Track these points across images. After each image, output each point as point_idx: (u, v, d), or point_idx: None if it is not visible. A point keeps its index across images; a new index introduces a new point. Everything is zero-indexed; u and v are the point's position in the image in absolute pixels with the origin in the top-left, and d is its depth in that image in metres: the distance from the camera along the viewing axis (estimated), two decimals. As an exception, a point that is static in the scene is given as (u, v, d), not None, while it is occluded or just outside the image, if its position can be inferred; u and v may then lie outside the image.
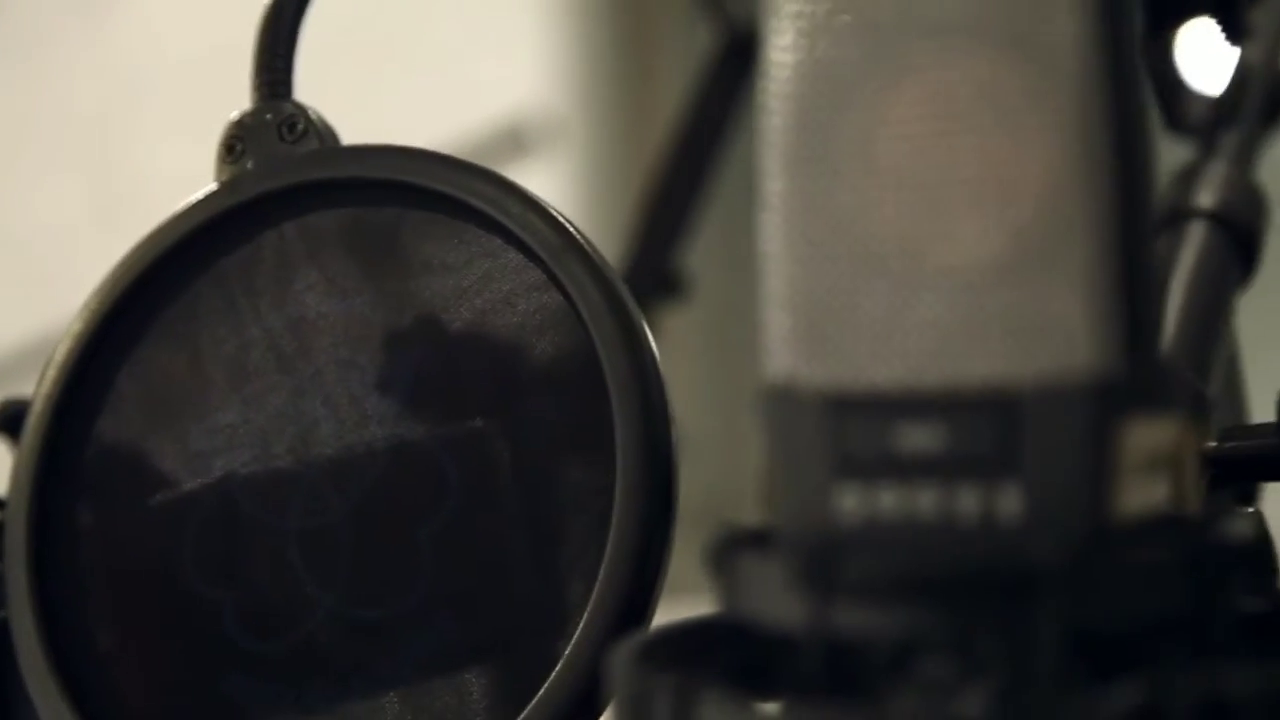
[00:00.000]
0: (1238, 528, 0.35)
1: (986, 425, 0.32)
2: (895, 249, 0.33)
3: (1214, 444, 0.49)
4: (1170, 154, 0.67)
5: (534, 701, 0.45)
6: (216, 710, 0.49)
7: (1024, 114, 0.32)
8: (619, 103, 2.38)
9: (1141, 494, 0.33)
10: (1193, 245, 0.58)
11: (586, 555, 0.46)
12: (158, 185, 2.71)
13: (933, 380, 0.33)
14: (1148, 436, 0.33)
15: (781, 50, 0.34)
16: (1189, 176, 0.62)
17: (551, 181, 2.31)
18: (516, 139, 2.25)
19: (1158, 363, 0.35)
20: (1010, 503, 0.32)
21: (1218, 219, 0.59)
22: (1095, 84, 0.33)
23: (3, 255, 2.85)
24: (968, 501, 0.32)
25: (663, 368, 0.47)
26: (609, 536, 0.45)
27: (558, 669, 0.45)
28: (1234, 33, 0.69)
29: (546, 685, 0.45)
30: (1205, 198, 0.60)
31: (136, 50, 2.75)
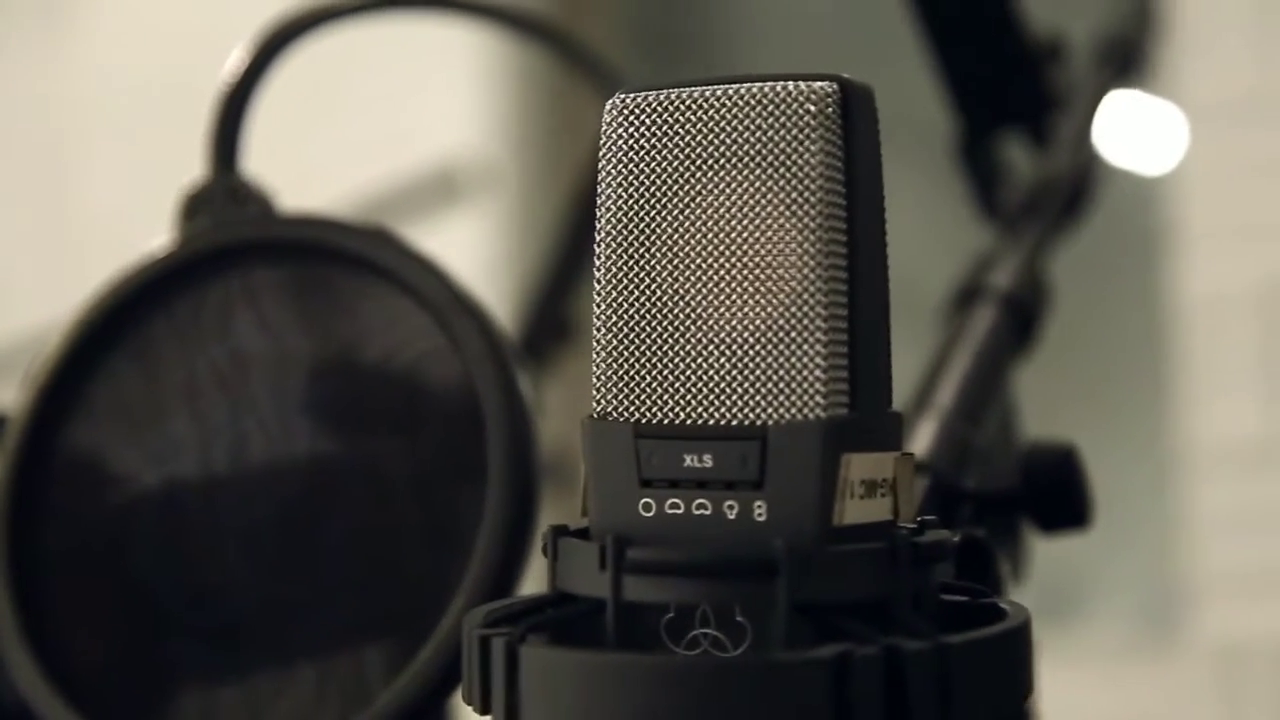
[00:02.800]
0: (939, 537, 0.46)
1: (744, 454, 0.44)
2: (685, 321, 0.44)
3: (973, 485, 0.61)
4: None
5: (414, 664, 0.55)
6: (160, 672, 0.60)
7: (780, 222, 0.44)
8: (549, 149, 2.48)
9: (862, 508, 0.44)
10: (982, 319, 0.69)
11: (464, 550, 0.56)
12: (104, 214, 2.79)
13: (708, 420, 0.44)
14: (868, 467, 0.45)
15: (608, 171, 0.45)
16: (989, 260, 0.74)
17: (482, 225, 2.40)
18: (448, 184, 2.34)
19: (882, 411, 0.46)
20: (759, 511, 0.43)
21: (1006, 300, 0.70)
22: (835, 199, 0.44)
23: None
24: (729, 509, 0.44)
25: (531, 398, 0.58)
26: (480, 535, 0.56)
27: (432, 639, 0.55)
28: (1039, 138, 0.81)
29: (423, 651, 0.55)
30: (999, 279, 0.71)
31: (88, 84, 2.83)
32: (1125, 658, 2.17)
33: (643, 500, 0.45)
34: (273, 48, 0.64)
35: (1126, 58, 0.90)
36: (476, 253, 2.21)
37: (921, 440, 0.62)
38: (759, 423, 0.44)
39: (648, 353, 0.45)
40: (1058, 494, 0.63)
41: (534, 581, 0.54)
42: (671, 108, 0.45)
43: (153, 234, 0.65)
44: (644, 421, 0.45)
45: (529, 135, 2.48)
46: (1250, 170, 2.03)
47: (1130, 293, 2.28)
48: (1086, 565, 2.28)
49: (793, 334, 0.44)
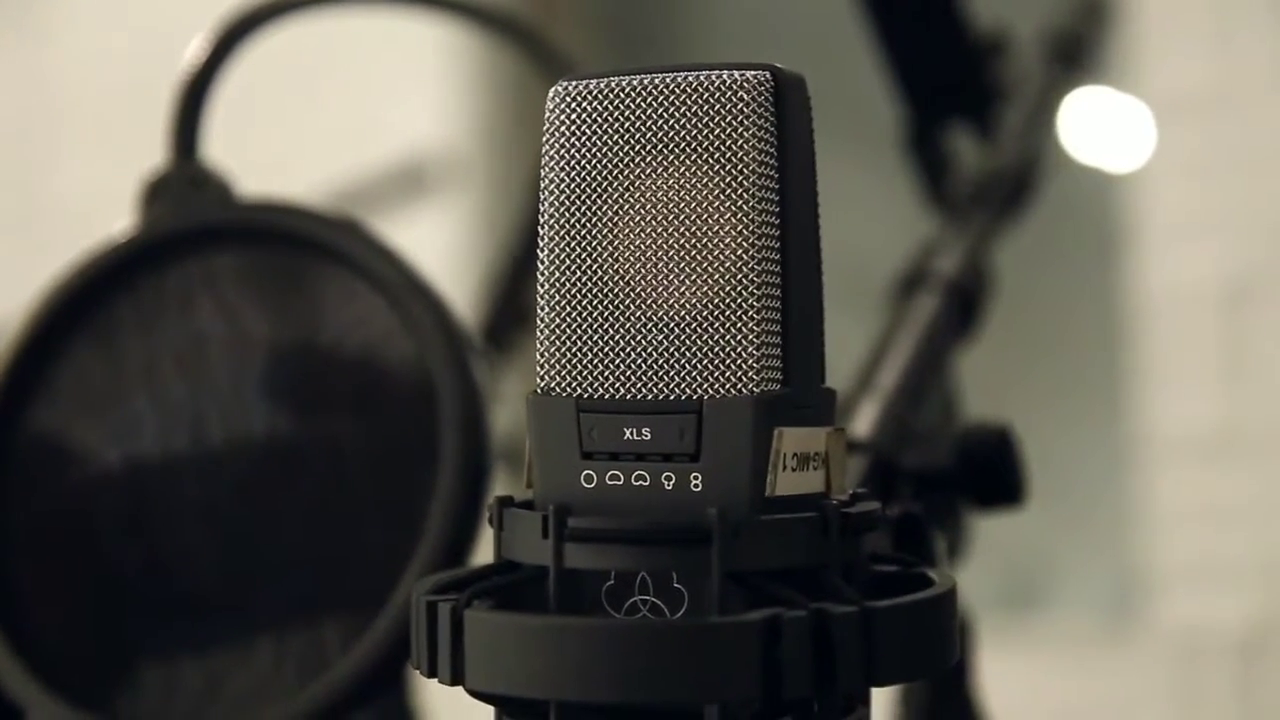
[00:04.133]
0: (869, 508, 0.48)
1: (681, 428, 0.46)
2: (624, 300, 0.46)
3: (912, 464, 0.63)
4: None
5: (369, 634, 0.57)
6: (123, 645, 0.61)
7: (715, 205, 0.46)
8: (516, 144, 2.49)
9: (795, 480, 0.46)
10: (925, 305, 0.71)
11: (417, 524, 0.58)
12: (72, 201, 2.80)
13: (647, 394, 0.46)
14: (800, 440, 0.47)
15: (550, 155, 0.47)
16: (934, 247, 0.76)
17: (449, 219, 2.42)
18: (416, 176, 2.36)
19: (815, 388, 0.48)
20: (695, 482, 0.45)
21: (950, 286, 0.72)
22: (767, 184, 0.46)
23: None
24: (667, 480, 0.46)
25: (483, 379, 0.60)
26: (432, 510, 0.58)
27: (386, 610, 0.57)
28: (986, 129, 0.83)
29: (378, 621, 0.57)
30: (943, 266, 0.73)
31: (60, 77, 2.83)
32: (1085, 646, 2.20)
33: (584, 472, 0.46)
34: (233, 37, 0.65)
35: (1073, 51, 0.92)
36: (444, 245, 2.23)
37: (863, 420, 0.64)
38: (695, 397, 0.46)
39: (589, 330, 0.47)
40: (992, 472, 0.65)
41: (486, 556, 0.55)
42: (611, 95, 0.47)
43: (118, 225, 0.66)
44: (585, 396, 0.47)
45: (496, 129, 2.49)
46: (1210, 164, 2.05)
47: (1090, 285, 2.31)
48: (1047, 555, 2.30)
49: (727, 313, 0.46)
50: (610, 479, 0.46)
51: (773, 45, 2.49)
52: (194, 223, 0.63)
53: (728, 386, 0.45)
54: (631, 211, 0.46)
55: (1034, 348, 2.24)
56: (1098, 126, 2.13)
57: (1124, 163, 2.20)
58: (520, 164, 2.31)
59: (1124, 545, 2.20)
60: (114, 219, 0.69)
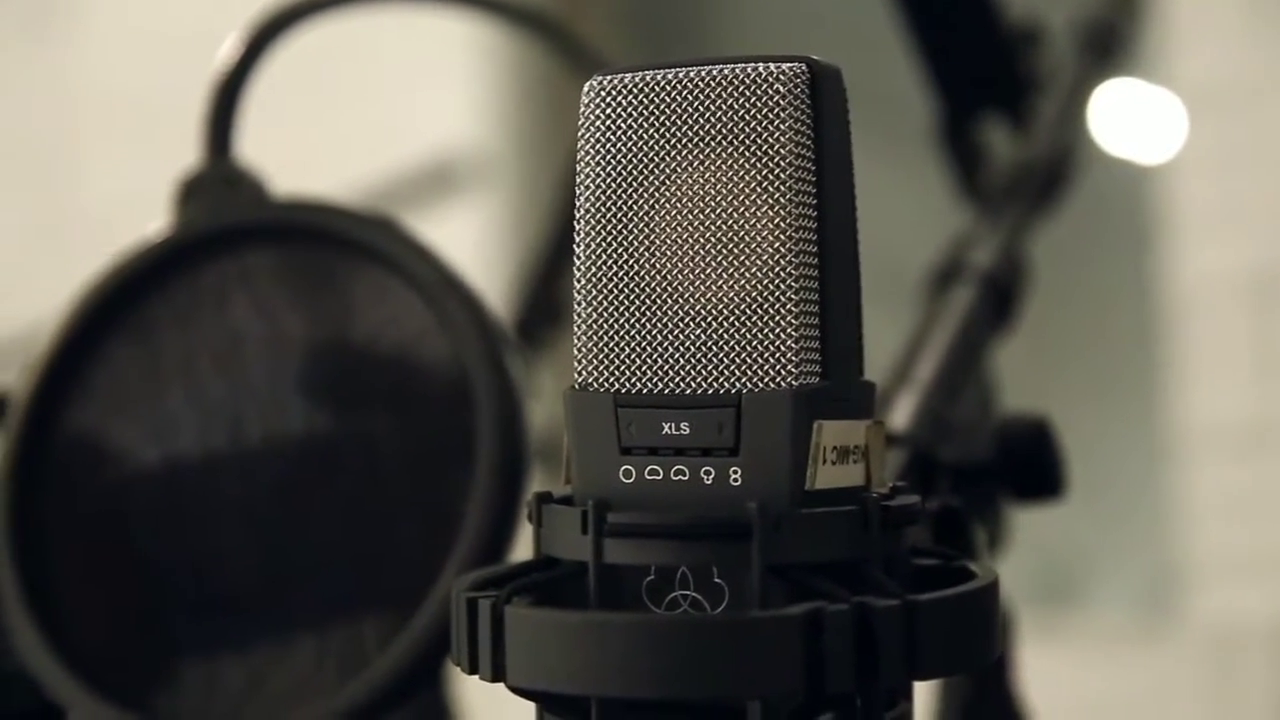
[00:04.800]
0: (909, 501, 0.48)
1: (720, 422, 0.45)
2: (661, 294, 0.46)
3: (951, 457, 0.63)
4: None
5: (408, 631, 0.57)
6: (162, 643, 0.61)
7: (751, 198, 0.45)
8: (545, 141, 2.49)
9: (834, 473, 0.46)
10: (961, 298, 0.71)
11: (454, 522, 0.58)
12: (98, 206, 2.81)
13: (685, 389, 0.46)
14: (839, 433, 0.46)
15: (586, 150, 0.47)
16: (969, 240, 0.75)
17: (478, 217, 2.42)
18: (445, 175, 2.36)
19: (854, 380, 0.48)
20: (735, 476, 0.45)
21: (985, 279, 0.72)
22: (804, 176, 0.46)
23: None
24: (706, 474, 0.45)
25: (520, 376, 0.60)
26: (470, 507, 0.58)
27: (425, 607, 0.57)
28: (1019, 121, 0.82)
29: (417, 619, 0.57)
30: (978, 259, 0.73)
31: (87, 82, 2.84)
32: (1121, 641, 2.19)
33: (623, 467, 0.46)
34: (266, 36, 0.65)
35: (1107, 42, 0.91)
36: (473, 243, 2.23)
37: (901, 414, 0.63)
38: (733, 391, 0.45)
39: (626, 325, 0.47)
40: (1031, 465, 0.65)
41: (523, 552, 0.55)
42: (647, 89, 0.46)
43: (148, 226, 0.66)
44: (623, 391, 0.46)
45: (525, 127, 2.50)
46: (1243, 155, 2.04)
47: (1124, 277, 2.30)
48: (1082, 549, 2.29)
49: (765, 306, 0.45)
50: (649, 474, 0.46)
51: (802, 37, 2.48)
52: (229, 222, 0.63)
53: (766, 380, 0.45)
54: (668, 205, 0.46)
55: (1065, 341, 2.23)
56: (1128, 118, 2.12)
57: (1154, 155, 2.19)
58: (549, 160, 2.31)
59: (1159, 539, 2.19)
60: (141, 221, 0.69)
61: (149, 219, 0.66)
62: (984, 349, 0.70)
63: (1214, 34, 2.06)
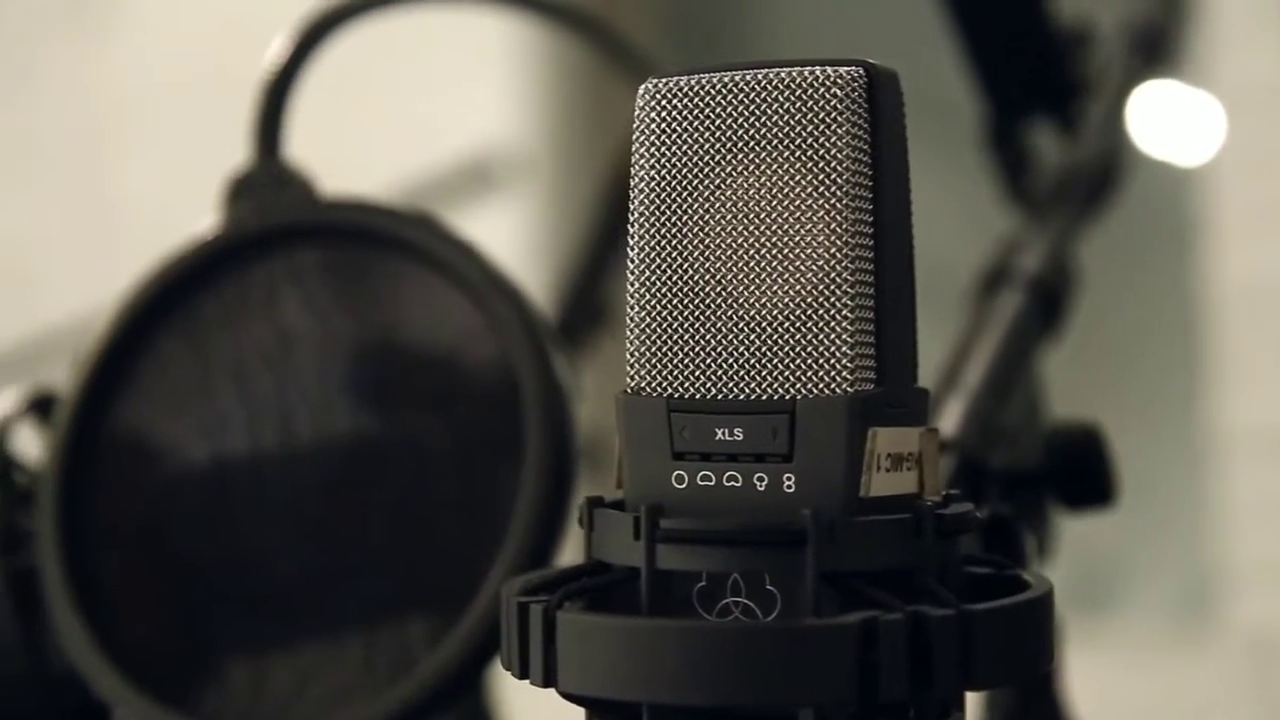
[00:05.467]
0: (963, 510, 0.48)
1: (774, 428, 0.45)
2: (716, 299, 0.46)
3: (999, 464, 0.62)
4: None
5: (455, 633, 0.57)
6: (209, 643, 0.61)
7: (807, 203, 0.45)
8: (584, 138, 2.49)
9: (888, 480, 0.46)
10: (1009, 303, 0.70)
11: (502, 523, 0.58)
12: (138, 202, 2.82)
13: (739, 394, 0.46)
14: (894, 440, 0.46)
15: (641, 154, 0.47)
16: (1017, 244, 0.75)
17: (517, 213, 2.42)
18: (484, 172, 2.36)
19: (908, 387, 0.47)
20: (788, 482, 0.45)
21: (1033, 283, 0.71)
22: (861, 181, 0.45)
23: (-7, 263, 2.95)
24: (759, 481, 0.45)
25: (566, 377, 0.60)
26: (517, 509, 0.57)
27: (472, 609, 0.57)
28: (1067, 124, 0.82)
29: (464, 621, 0.57)
30: (1027, 263, 0.73)
31: (126, 77, 2.85)
32: (1160, 646, 2.18)
33: (675, 472, 0.46)
34: (314, 36, 0.65)
35: (1155, 44, 0.91)
36: (512, 240, 2.23)
37: (949, 420, 0.63)
38: (788, 397, 0.45)
39: (680, 330, 0.46)
40: (1081, 472, 0.64)
41: (572, 555, 0.55)
42: (702, 92, 0.46)
43: (190, 221, 0.66)
44: (676, 396, 0.46)
45: (564, 124, 2.50)
46: (1282, 157, 2.03)
47: (1165, 280, 2.29)
48: (1122, 554, 2.28)
49: (820, 312, 0.45)
50: (702, 479, 0.46)
51: (845, 39, 2.47)
52: (278, 221, 0.63)
53: (821, 386, 0.45)
54: (723, 210, 0.46)
55: (1103, 343, 2.22)
56: (1167, 120, 2.10)
57: (1193, 156, 2.17)
58: (589, 158, 2.31)
59: (1198, 544, 2.17)
60: (184, 215, 0.69)
61: (192, 214, 0.66)
62: (1032, 354, 0.69)
63: (1252, 36, 2.05)
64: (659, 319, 0.47)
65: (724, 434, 0.46)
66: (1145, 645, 2.18)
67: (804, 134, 0.45)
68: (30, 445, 0.69)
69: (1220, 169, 2.10)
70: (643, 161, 0.47)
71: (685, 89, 0.47)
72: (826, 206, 0.45)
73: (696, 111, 0.46)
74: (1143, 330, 2.35)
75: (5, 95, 3.00)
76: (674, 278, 0.46)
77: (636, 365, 0.47)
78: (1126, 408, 2.22)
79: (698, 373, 0.46)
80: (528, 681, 0.45)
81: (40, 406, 0.69)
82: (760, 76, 0.46)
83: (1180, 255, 2.20)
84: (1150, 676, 2.10)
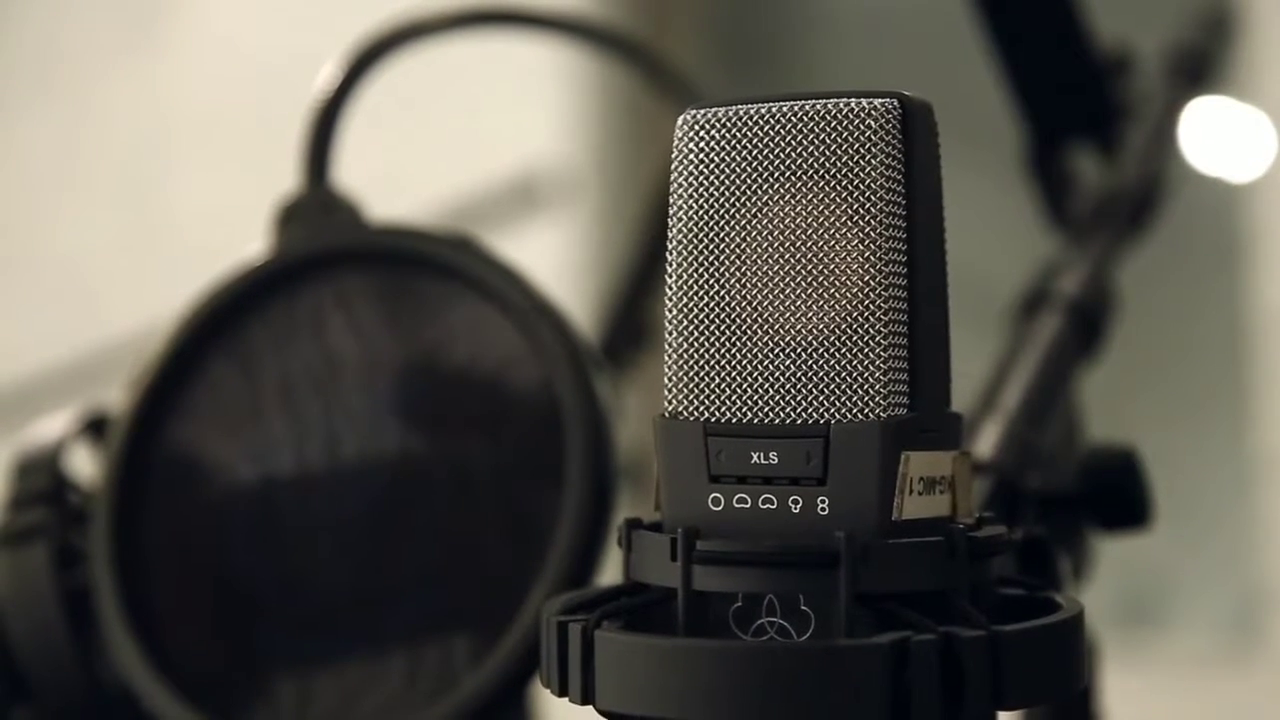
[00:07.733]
0: (996, 532, 0.48)
1: (808, 452, 0.46)
2: (752, 325, 0.47)
3: (1036, 486, 0.63)
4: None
5: (497, 652, 0.58)
6: (258, 660, 0.63)
7: (842, 231, 0.46)
8: (628, 159, 2.50)
9: (921, 503, 0.47)
10: (1048, 325, 0.70)
11: (543, 544, 0.59)
12: (187, 217, 2.84)
13: (774, 419, 0.47)
14: (927, 464, 0.47)
15: (679, 182, 0.48)
16: (1057, 267, 0.75)
17: (561, 233, 2.44)
18: (529, 192, 2.37)
19: (941, 411, 0.48)
20: (822, 505, 0.46)
21: (1073, 306, 0.72)
22: (895, 210, 0.46)
23: (44, 278, 2.99)
24: (794, 504, 0.46)
25: (608, 400, 0.61)
26: (559, 530, 0.58)
27: (513, 629, 0.58)
28: (1109, 148, 0.82)
29: (505, 640, 0.58)
30: (1066, 286, 0.73)
31: (174, 94, 2.89)
32: (1207, 666, 2.16)
33: (712, 495, 0.47)
34: (364, 64, 0.67)
35: (1197, 67, 0.91)
36: (556, 260, 2.24)
37: (986, 442, 0.64)
38: (822, 421, 0.46)
39: (716, 355, 0.47)
40: (1118, 495, 0.65)
41: (612, 574, 0.56)
42: (739, 123, 0.47)
43: (240, 241, 0.68)
44: (713, 420, 0.47)
45: (608, 145, 2.51)
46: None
47: (1211, 298, 2.28)
48: (1168, 573, 2.27)
49: (854, 338, 0.46)
50: (738, 502, 0.47)
51: (889, 64, 2.48)
52: (326, 246, 0.64)
53: (855, 410, 0.46)
54: (759, 237, 0.47)
55: (1153, 361, 2.22)
56: (1217, 136, 2.10)
57: (1244, 172, 2.17)
58: (632, 180, 2.32)
59: (1246, 563, 2.16)
60: (234, 235, 0.70)
61: (242, 233, 0.68)
62: (1071, 377, 0.70)
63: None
64: (696, 345, 0.48)
65: (759, 457, 0.47)
66: (1193, 662, 2.17)
67: (839, 164, 0.46)
68: (84, 465, 0.70)
69: (1267, 185, 2.09)
70: (681, 190, 0.48)
71: (723, 120, 0.48)
72: (861, 235, 0.46)
73: (734, 141, 0.47)
74: (1191, 345, 2.34)
75: (66, 113, 3.04)
76: (711, 304, 0.47)
77: (674, 390, 0.48)
78: (1174, 424, 2.21)
79: (734, 397, 0.47)
80: (567, 699, 0.46)
81: (94, 427, 0.70)
82: (796, 108, 0.47)
83: (1229, 271, 2.19)
84: (1197, 694, 2.09)
